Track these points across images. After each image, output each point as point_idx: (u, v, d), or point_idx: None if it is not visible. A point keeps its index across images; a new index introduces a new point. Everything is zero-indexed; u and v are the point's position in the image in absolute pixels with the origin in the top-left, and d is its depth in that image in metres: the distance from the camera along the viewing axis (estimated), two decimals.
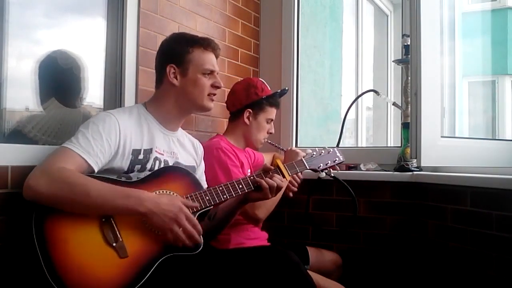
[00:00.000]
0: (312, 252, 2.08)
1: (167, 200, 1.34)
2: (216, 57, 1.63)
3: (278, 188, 1.53)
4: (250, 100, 1.97)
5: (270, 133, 2.05)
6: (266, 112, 1.99)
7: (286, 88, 2.14)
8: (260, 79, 2.12)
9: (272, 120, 2.03)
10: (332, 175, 1.79)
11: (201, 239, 1.38)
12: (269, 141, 2.09)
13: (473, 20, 4.49)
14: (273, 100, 2.02)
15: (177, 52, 1.58)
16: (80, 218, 1.29)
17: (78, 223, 1.28)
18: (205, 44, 1.59)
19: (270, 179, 1.52)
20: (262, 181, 1.51)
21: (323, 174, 1.74)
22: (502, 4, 5.51)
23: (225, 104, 2.10)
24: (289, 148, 2.09)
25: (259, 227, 2.03)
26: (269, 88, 2.04)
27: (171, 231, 1.31)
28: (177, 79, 1.56)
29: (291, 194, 1.96)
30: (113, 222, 1.31)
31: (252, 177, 1.53)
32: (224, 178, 1.77)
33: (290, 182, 1.93)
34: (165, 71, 1.57)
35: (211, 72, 1.59)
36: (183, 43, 1.59)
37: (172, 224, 1.31)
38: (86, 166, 1.35)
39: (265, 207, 1.82)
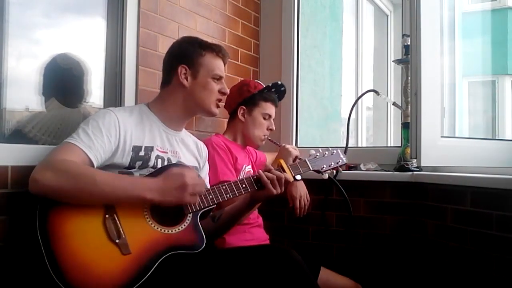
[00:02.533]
0: (324, 273, 1.94)
1: (166, 177, 1.37)
2: (224, 64, 1.66)
3: (280, 180, 1.53)
4: (242, 97, 1.99)
5: (270, 129, 2.03)
6: (260, 107, 1.99)
7: (280, 83, 2.08)
8: (256, 80, 2.13)
9: (269, 115, 2.02)
10: (327, 175, 1.78)
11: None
12: (269, 138, 2.09)
13: (473, 20, 4.50)
14: (267, 94, 2.01)
15: (190, 53, 1.60)
16: (83, 214, 1.29)
17: (81, 219, 1.29)
18: (217, 50, 1.63)
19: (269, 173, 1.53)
20: (263, 175, 1.52)
21: (326, 176, 1.73)
22: (502, 4, 5.52)
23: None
24: (283, 145, 2.10)
25: (261, 227, 2.03)
26: (263, 86, 2.03)
27: (183, 202, 1.38)
28: (187, 80, 1.58)
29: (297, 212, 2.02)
30: (116, 218, 1.32)
31: (255, 177, 1.54)
32: (211, 174, 1.77)
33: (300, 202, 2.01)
34: (175, 71, 1.58)
35: (220, 78, 1.62)
36: (196, 46, 1.61)
37: (182, 197, 1.35)
38: (87, 161, 1.36)
39: None
